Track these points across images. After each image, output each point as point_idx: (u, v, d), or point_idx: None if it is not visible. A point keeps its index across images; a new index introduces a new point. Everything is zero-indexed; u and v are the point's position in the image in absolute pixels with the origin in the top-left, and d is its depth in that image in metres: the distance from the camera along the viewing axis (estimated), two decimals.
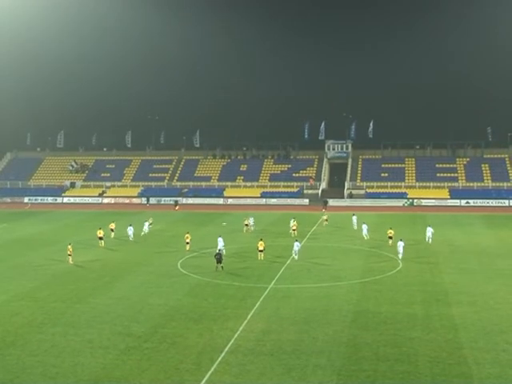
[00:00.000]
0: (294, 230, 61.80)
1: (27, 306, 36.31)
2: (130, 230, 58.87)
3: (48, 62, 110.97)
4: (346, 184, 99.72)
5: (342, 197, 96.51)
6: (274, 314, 34.17)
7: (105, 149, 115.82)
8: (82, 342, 29.83)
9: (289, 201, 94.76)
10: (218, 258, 45.66)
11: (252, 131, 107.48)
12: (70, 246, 49.24)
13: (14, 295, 38.70)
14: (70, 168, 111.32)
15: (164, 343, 29.57)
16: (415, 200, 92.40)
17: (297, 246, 49.32)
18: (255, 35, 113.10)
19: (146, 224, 63.77)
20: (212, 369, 26.35)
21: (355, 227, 65.09)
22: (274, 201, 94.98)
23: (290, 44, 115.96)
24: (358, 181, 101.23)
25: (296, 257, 48.85)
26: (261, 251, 48.79)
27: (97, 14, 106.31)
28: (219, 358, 27.48)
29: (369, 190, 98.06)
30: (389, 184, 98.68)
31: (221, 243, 51.33)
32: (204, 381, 25.23)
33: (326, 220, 69.13)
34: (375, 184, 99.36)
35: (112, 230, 60.53)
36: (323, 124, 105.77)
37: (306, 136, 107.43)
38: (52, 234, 64.10)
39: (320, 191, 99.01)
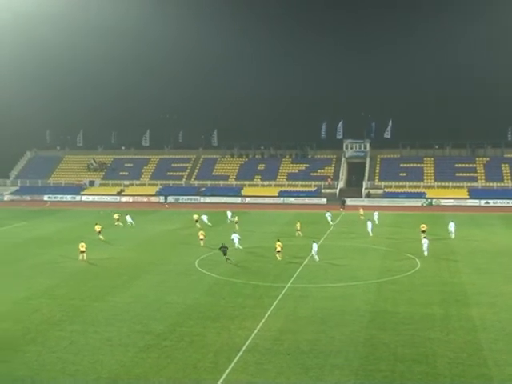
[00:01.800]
0: (297, 230, 61.45)
1: (46, 303, 36.65)
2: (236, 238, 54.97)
3: (68, 62, 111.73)
4: (364, 183, 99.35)
5: (360, 196, 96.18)
6: (291, 314, 34.18)
7: (123, 147, 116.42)
8: (101, 339, 30.07)
9: (306, 200, 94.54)
10: (224, 250, 47.66)
11: (270, 130, 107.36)
12: (82, 243, 49.63)
13: (34, 293, 39.08)
14: (89, 166, 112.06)
15: (182, 341, 29.72)
16: (434, 200, 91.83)
17: (315, 246, 48.73)
18: (273, 34, 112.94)
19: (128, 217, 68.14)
20: (229, 367, 26.44)
21: (376, 222, 66.07)
22: (291, 200, 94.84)
23: (309, 43, 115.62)
24: (376, 180, 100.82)
25: (317, 257, 48.18)
26: (278, 252, 48.66)
27: (115, 15, 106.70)
28: (237, 357, 27.56)
29: (387, 190, 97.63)
30: (407, 184, 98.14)
31: (236, 239, 52.76)
32: (222, 379, 25.32)
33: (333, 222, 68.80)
34: (393, 183, 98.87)
35: (99, 232, 59.43)
36: (341, 123, 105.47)
37: (324, 135, 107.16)
38: (70, 232, 64.56)
39: (338, 190, 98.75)
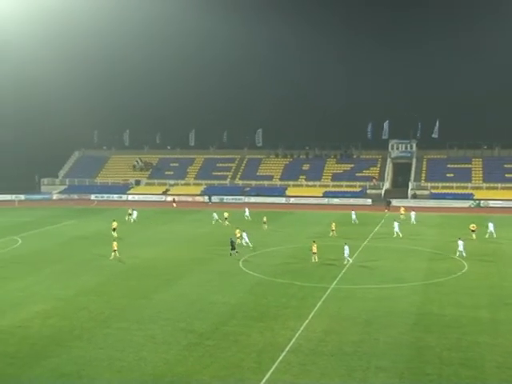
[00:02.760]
0: (332, 230, 61.50)
1: (93, 300, 37.21)
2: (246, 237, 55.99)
3: (115, 64, 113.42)
4: (410, 184, 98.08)
5: (406, 197, 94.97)
6: (335, 315, 33.93)
7: (169, 147, 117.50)
8: (145, 337, 30.36)
9: (351, 200, 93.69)
10: (232, 244, 50.50)
11: (315, 130, 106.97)
12: (115, 242, 50.50)
13: (81, 290, 39.73)
14: (135, 164, 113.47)
15: (225, 341, 29.77)
16: (482, 201, 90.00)
17: (347, 249, 47.50)
18: (320, 36, 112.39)
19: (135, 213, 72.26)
20: (273, 368, 26.37)
21: (414, 222, 67.54)
22: (336, 200, 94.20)
23: (354, 43, 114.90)
24: (423, 181, 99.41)
25: (350, 260, 47.37)
26: (314, 253, 48.14)
27: (163, 16, 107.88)
28: (280, 357, 27.48)
29: (433, 191, 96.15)
30: (454, 185, 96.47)
31: (245, 238, 54.41)
32: (265, 379, 25.27)
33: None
34: (440, 184, 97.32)
35: (114, 230, 61.09)
36: (387, 123, 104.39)
37: (370, 135, 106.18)
38: (117, 231, 65.35)
39: (383, 191, 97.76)
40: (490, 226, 59.89)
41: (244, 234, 55.27)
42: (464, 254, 48.94)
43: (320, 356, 27.70)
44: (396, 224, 61.90)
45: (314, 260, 47.82)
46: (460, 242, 49.85)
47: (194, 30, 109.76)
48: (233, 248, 50.47)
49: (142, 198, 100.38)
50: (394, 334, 30.59)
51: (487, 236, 59.27)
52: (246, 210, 76.13)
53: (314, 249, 48.09)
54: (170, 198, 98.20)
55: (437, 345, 28.98)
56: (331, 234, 61.12)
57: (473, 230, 58.30)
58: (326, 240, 57.72)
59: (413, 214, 70.04)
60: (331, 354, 27.88)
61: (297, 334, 30.57)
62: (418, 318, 33.28)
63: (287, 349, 28.58)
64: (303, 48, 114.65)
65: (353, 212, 71.74)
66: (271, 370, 26.09)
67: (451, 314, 33.94)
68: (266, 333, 30.88)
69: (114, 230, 61.35)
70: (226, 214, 70.06)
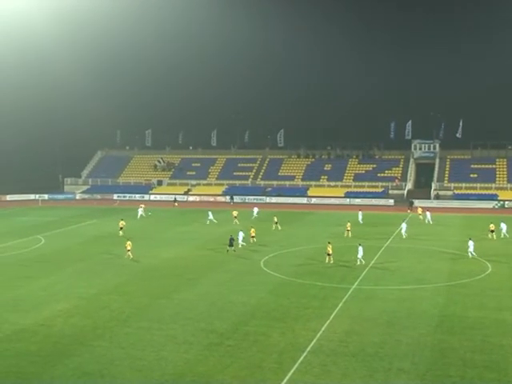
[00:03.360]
0: (348, 230, 61.19)
1: (114, 300, 37.40)
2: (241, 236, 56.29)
3: (137, 64, 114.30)
4: (433, 185, 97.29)
5: (429, 198, 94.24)
6: (356, 315, 33.72)
7: (190, 147, 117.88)
8: (166, 336, 30.44)
9: (373, 201, 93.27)
10: (230, 242, 52.10)
11: (337, 130, 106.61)
12: (129, 242, 50.76)
13: (103, 289, 39.97)
14: (157, 164, 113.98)
15: (246, 341, 29.73)
16: (506, 202, 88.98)
17: (361, 250, 46.88)
18: (341, 35, 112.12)
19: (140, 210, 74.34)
20: (294, 368, 26.27)
21: (431, 222, 68.23)
22: (358, 201, 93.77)
23: (377, 43, 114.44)
24: (446, 181, 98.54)
25: (363, 261, 46.62)
26: (329, 255, 47.70)
27: (185, 16, 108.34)
28: (301, 358, 27.37)
29: (457, 191, 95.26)
30: (478, 185, 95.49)
31: (241, 237, 54.62)
32: (286, 380, 25.18)
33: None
34: (464, 185, 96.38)
35: (121, 228, 62.65)
36: (410, 123, 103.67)
37: (392, 135, 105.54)
38: (138, 231, 65.77)
39: (406, 192, 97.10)
40: (503, 227, 60.08)
41: (240, 233, 55.20)
42: (474, 254, 48.68)
43: (341, 357, 27.55)
44: (403, 225, 61.86)
45: (327, 261, 47.41)
46: (470, 243, 49.52)
47: (216, 30, 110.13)
48: (231, 245, 52.04)
49: (164, 197, 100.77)
50: (416, 335, 30.32)
51: (502, 236, 59.16)
52: (255, 209, 76.67)
53: (330, 250, 47.74)
54: (191, 198, 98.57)
55: (460, 347, 28.66)
56: (346, 234, 60.92)
57: (492, 231, 58.58)
58: (347, 241, 57.46)
59: (428, 214, 69.85)
60: (352, 355, 27.71)
61: (318, 335, 30.44)
62: (441, 319, 32.95)
63: (308, 349, 28.47)
64: (326, 48, 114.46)
65: (360, 212, 71.55)
66: (292, 371, 26.00)
67: (474, 315, 33.55)
68: (286, 333, 30.79)
69: (121, 229, 62.53)
70: (235, 213, 70.49)
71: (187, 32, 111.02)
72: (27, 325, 32.42)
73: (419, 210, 74.40)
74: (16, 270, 46.41)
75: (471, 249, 49.44)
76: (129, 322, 32.98)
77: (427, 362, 26.94)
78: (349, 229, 61.40)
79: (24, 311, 34.93)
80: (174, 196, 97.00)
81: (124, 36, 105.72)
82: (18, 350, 28.77)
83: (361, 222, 69.55)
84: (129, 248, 50.31)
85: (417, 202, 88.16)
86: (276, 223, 66.25)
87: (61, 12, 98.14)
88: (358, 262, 46.43)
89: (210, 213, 71.63)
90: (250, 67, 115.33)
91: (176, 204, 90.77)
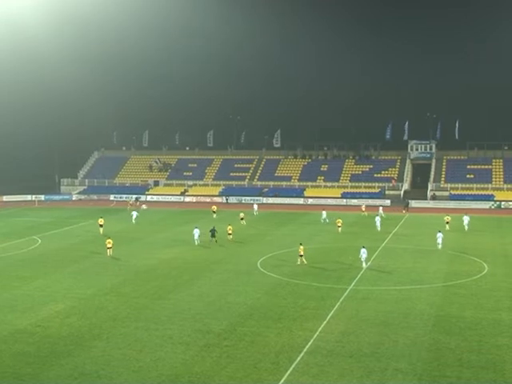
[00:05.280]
0: (339, 226, 63.70)
1: (111, 300, 37.42)
2: (197, 233, 57.63)
3: (134, 65, 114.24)
4: (430, 185, 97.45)
5: (425, 198, 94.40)
6: (353, 316, 33.78)
7: (187, 148, 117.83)
8: (163, 337, 30.45)
9: (370, 201, 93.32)
10: (212, 233, 56.77)
11: (333, 131, 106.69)
12: (109, 240, 51.57)
13: (100, 290, 39.97)
14: (152, 164, 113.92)
15: (243, 341, 29.76)
16: (503, 202, 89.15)
17: (364, 252, 46.34)
18: (337, 35, 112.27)
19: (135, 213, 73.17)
20: (290, 369, 26.31)
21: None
22: (354, 201, 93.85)
23: (373, 43, 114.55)
24: (442, 182, 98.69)
25: (364, 265, 46.10)
26: (301, 256, 47.55)
27: (183, 16, 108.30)
28: (298, 358, 27.41)
29: (453, 192, 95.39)
30: (474, 186, 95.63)
31: (196, 234, 56.45)
32: (282, 380, 25.21)
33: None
34: (460, 185, 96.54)
35: (101, 226, 64.08)
36: (407, 124, 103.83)
37: (388, 136, 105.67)
38: (135, 232, 65.78)
39: (402, 192, 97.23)
40: (465, 219, 64.99)
41: (195, 230, 56.81)
42: (439, 247, 51.80)
43: (338, 357, 27.59)
44: (377, 219, 65.60)
45: (300, 262, 47.28)
46: (439, 234, 53.40)
47: (212, 31, 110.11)
48: (213, 235, 56.84)
49: (160, 198, 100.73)
50: (413, 335, 30.38)
51: (465, 228, 64.14)
52: (255, 206, 79.94)
53: (301, 251, 47.65)
54: (188, 199, 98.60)
55: (456, 347, 28.73)
56: (337, 230, 63.23)
57: (447, 222, 64.43)
58: (343, 241, 57.56)
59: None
60: (349, 356, 27.76)
61: (315, 335, 30.48)
62: (437, 319, 33.02)
63: (305, 350, 28.51)
64: (321, 48, 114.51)
65: (323, 212, 72.18)
66: (289, 371, 26.04)
67: (471, 316, 33.63)
68: (283, 334, 30.83)
69: (101, 226, 63.70)
70: (241, 215, 70.68)
71: (184, 33, 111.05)
72: (24, 325, 32.41)
73: (363, 207, 79.61)
74: (13, 270, 46.37)
75: (439, 240, 52.84)
76: (126, 322, 32.98)
77: (424, 362, 27.00)
78: (339, 225, 63.61)
79: (21, 312, 34.91)
80: (225, 197, 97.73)
81: (122, 37, 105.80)
82: (14, 351, 28.75)
83: (325, 221, 70.45)
84: (109, 246, 51.07)
85: (413, 203, 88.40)
86: (242, 219, 68.47)
87: (56, 12, 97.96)
88: (364, 265, 46.07)
89: (241, 214, 71.64)
90: (246, 68, 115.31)
91: (138, 203, 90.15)
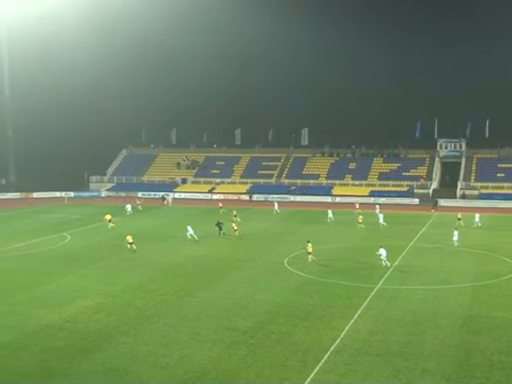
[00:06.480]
0: (359, 222, 64.49)
1: (139, 297, 37.68)
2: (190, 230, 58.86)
3: (162, 63, 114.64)
4: (459, 184, 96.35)
5: (454, 197, 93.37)
6: (381, 315, 33.56)
7: (215, 146, 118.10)
8: (190, 334, 30.57)
9: (398, 200, 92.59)
10: (219, 227, 59.74)
11: (361, 129, 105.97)
12: (129, 236, 53.00)
13: (128, 286, 40.27)
14: (180, 162, 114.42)
15: (270, 339, 29.74)
16: None
17: (383, 251, 45.66)
18: (367, 33, 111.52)
19: (129, 207, 78.47)
20: (317, 367, 26.24)
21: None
22: (382, 200, 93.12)
23: (403, 41, 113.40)
24: (472, 181, 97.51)
25: (387, 263, 45.42)
26: (309, 253, 47.50)
27: (210, 12, 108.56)
28: (325, 357, 27.32)
29: (483, 191, 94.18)
30: (505, 185, 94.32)
31: (190, 231, 57.70)
32: (309, 379, 25.15)
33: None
34: (490, 184, 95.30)
35: (109, 221, 66.40)
36: (436, 122, 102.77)
37: (418, 134, 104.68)
38: (163, 229, 66.18)
39: (431, 191, 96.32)
40: (477, 217, 65.38)
41: (188, 227, 58.15)
42: (387, 263, 45.47)
43: (365, 356, 27.44)
44: (380, 216, 66.22)
45: (309, 260, 47.21)
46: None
47: (239, 29, 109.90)
48: (220, 229, 59.90)
49: (188, 196, 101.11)
50: (441, 335, 30.08)
51: (475, 226, 64.52)
52: (276, 204, 79.86)
53: (309, 249, 47.56)
54: (215, 196, 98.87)
55: (486, 348, 28.36)
56: (358, 227, 63.77)
57: (459, 219, 64.79)
58: (371, 240, 57.17)
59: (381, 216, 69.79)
60: (377, 355, 27.59)
61: (342, 334, 30.35)
62: (466, 319, 32.64)
63: (332, 348, 28.40)
64: (351, 46, 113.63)
65: (329, 210, 71.63)
66: (316, 370, 25.97)
67: (501, 316, 33.17)
68: (310, 332, 30.75)
69: (110, 221, 66.07)
70: (234, 212, 71.27)
71: (212, 31, 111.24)
72: (53, 321, 32.82)
73: (357, 205, 78.41)
74: (43, 266, 47.00)
75: (455, 238, 53.69)
76: (153, 319, 33.19)
77: (452, 362, 26.72)
78: (360, 221, 64.59)
79: (50, 307, 35.35)
80: (162, 194, 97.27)
81: (150, 35, 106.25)
82: (44, 346, 29.14)
83: (331, 220, 69.97)
84: (130, 241, 52.24)
85: (442, 202, 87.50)
86: (235, 216, 68.99)
87: (87, 10, 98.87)
88: (384, 264, 45.62)
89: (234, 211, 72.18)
90: (274, 65, 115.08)
91: (165, 202, 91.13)
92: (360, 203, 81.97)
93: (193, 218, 75.48)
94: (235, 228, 60.40)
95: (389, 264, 45.54)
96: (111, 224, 66.06)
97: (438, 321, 32.39)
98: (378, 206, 76.38)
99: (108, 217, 67.02)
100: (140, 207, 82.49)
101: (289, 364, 26.67)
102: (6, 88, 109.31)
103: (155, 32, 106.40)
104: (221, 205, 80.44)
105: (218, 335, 30.36)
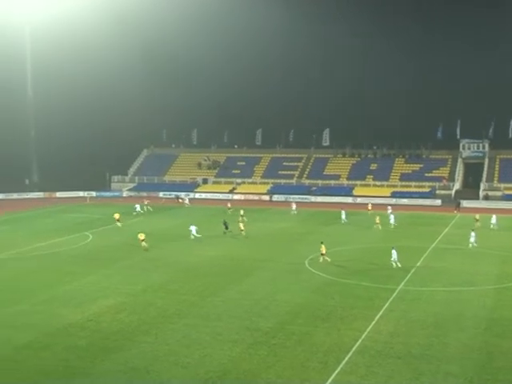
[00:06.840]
0: (377, 223, 64.55)
1: (160, 297, 37.84)
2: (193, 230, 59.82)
3: (185, 63, 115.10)
4: (482, 185, 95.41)
5: (477, 198, 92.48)
6: (402, 317, 33.36)
7: (236, 146, 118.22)
8: (211, 334, 30.64)
9: (420, 201, 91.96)
10: (226, 226, 60.76)
11: (383, 130, 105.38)
12: (142, 234, 53.87)
13: (149, 286, 40.46)
14: (201, 162, 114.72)
15: (291, 340, 29.71)
16: None
17: (394, 253, 45.34)
18: (388, 33, 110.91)
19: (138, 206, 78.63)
20: (338, 368, 26.15)
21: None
22: (404, 201, 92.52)
23: (425, 42, 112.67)
24: (495, 182, 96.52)
25: (399, 264, 45.09)
26: (322, 254, 47.30)
27: (232, 13, 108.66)
28: (346, 358, 27.22)
29: (507, 192, 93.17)
30: None
31: (193, 230, 58.82)
32: (330, 380, 25.08)
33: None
34: None
35: (118, 221, 67.35)
36: (459, 122, 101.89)
37: (440, 135, 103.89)
38: (183, 228, 66.19)
39: (453, 192, 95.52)
40: (493, 219, 65.21)
41: (192, 227, 59.07)
42: (399, 264, 45.60)
43: (387, 358, 27.28)
44: (392, 216, 66.17)
45: (321, 260, 47.03)
46: (472, 233, 53.34)
47: (259, 30, 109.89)
48: (226, 228, 60.79)
49: (209, 196, 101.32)
50: (464, 338, 29.81)
51: (491, 227, 63.89)
52: (293, 205, 79.93)
53: (323, 250, 47.35)
54: (236, 197, 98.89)
55: (509, 350, 28.07)
56: (375, 226, 64.03)
57: (477, 220, 64.49)
58: (392, 241, 56.82)
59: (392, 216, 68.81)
60: (398, 357, 27.41)
61: (363, 336, 30.21)
62: (490, 322, 32.32)
63: (353, 350, 28.29)
64: (372, 46, 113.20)
65: (343, 211, 71.04)
66: (337, 371, 25.88)
67: None
68: (331, 333, 30.66)
69: (118, 220, 67.06)
70: (241, 212, 71.07)
71: (233, 33, 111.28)
72: (76, 320, 33.08)
73: (369, 206, 78.18)
74: (65, 265, 47.40)
75: (472, 239, 53.16)
76: (174, 319, 33.31)
77: (475, 365, 26.48)
78: (378, 222, 64.59)
79: (73, 306, 35.64)
80: (175, 194, 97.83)
81: (173, 36, 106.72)
82: (67, 345, 29.39)
83: (345, 221, 69.55)
84: (142, 238, 53.00)
85: (465, 203, 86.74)
86: (242, 216, 68.75)
87: (109, 12, 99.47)
88: (394, 265, 45.24)
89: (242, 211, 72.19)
90: (295, 66, 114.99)
91: (180, 200, 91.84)
92: (373, 204, 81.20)
93: (214, 217, 75.62)
94: (242, 228, 60.50)
95: (400, 265, 45.10)
96: (119, 223, 66.89)
97: (460, 323, 32.11)
98: (389, 207, 75.55)
99: (117, 216, 67.76)
100: (150, 208, 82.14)
101: (309, 365, 26.61)
102: (28, 88, 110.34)
103: (177, 34, 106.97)
104: (229, 205, 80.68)
105: (239, 335, 30.39)
